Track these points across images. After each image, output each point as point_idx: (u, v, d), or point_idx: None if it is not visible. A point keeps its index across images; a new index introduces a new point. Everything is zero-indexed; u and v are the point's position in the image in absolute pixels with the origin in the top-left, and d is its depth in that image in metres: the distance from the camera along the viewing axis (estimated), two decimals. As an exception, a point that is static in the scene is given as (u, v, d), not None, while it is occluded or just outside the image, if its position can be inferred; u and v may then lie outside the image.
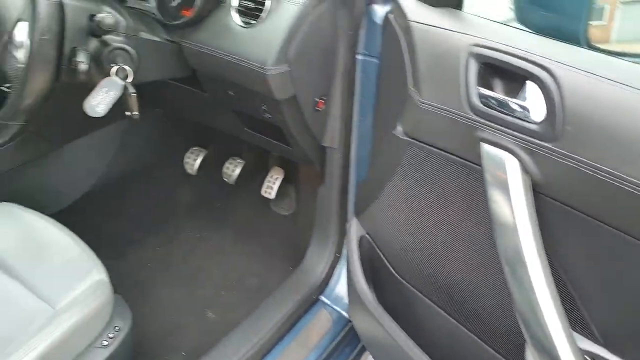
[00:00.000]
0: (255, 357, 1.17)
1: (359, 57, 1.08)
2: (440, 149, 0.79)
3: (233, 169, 1.59)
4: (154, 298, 1.37)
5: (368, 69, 1.09)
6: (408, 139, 0.85)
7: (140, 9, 1.11)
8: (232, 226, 1.60)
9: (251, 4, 1.00)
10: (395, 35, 0.88)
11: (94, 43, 0.93)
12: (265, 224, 1.62)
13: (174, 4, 1.11)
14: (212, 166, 1.64)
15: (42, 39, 0.75)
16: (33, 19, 0.75)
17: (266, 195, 1.54)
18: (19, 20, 0.79)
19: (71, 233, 1.06)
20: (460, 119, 0.73)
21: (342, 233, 1.31)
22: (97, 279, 0.98)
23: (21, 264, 1.00)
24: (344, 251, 1.32)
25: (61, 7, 0.77)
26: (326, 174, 1.24)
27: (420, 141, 0.83)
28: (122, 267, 1.44)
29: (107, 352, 0.96)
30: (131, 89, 0.91)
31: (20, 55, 0.77)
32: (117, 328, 0.99)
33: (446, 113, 0.76)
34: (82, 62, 0.87)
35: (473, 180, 0.74)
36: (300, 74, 1.01)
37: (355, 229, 1.06)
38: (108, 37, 0.94)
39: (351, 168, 1.21)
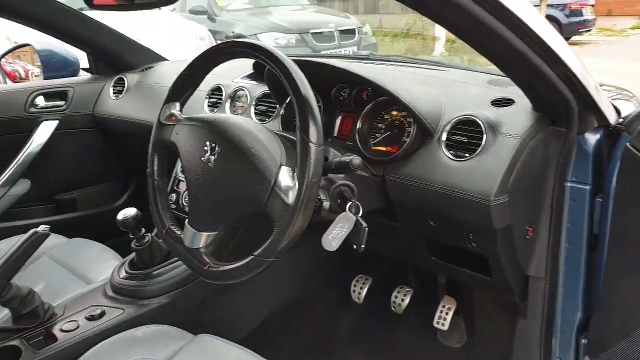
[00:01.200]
0: None
1: (568, 184, 1.07)
2: None
3: (402, 298, 1.55)
4: None
5: (578, 196, 1.07)
6: None
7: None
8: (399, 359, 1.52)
9: (464, 139, 1.05)
10: None
11: (323, 181, 0.99)
12: (434, 357, 1.53)
13: (375, 141, 1.19)
14: (378, 294, 1.61)
15: (311, 182, 0.82)
16: (303, 163, 0.82)
17: (439, 326, 1.47)
18: (280, 165, 0.87)
19: None
20: None
21: (546, 372, 1.19)
22: None
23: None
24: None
25: (323, 154, 0.84)
26: (528, 305, 1.17)
27: None
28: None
29: None
30: (364, 223, 0.94)
31: (289, 198, 0.83)
32: None
33: None
34: (325, 199, 0.92)
35: None
36: (516, 202, 1.01)
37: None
38: (332, 175, 1.01)
39: (558, 299, 1.14)
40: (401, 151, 1.10)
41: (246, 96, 1.48)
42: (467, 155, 1.03)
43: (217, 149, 0.93)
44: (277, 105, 1.36)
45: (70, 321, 1.15)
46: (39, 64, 2.09)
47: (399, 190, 1.13)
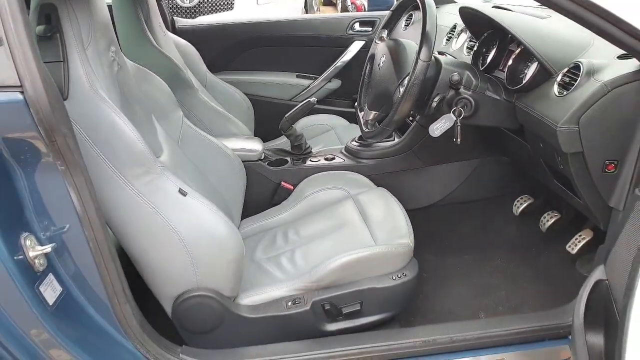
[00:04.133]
0: None
1: None
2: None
3: (548, 220, 1.82)
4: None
5: None
6: None
7: (494, 76, 1.58)
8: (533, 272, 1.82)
9: (567, 79, 1.32)
10: None
11: (451, 92, 1.47)
12: (568, 282, 1.74)
13: (521, 76, 1.53)
14: (533, 213, 1.92)
15: (412, 83, 1.35)
16: (412, 72, 1.35)
17: (569, 249, 1.71)
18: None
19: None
20: None
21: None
22: (407, 242, 1.48)
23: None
24: None
25: (428, 67, 1.34)
26: (607, 234, 1.36)
27: None
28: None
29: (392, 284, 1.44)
30: (459, 123, 1.41)
31: (401, 93, 1.40)
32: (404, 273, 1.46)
33: None
34: (434, 101, 1.42)
35: None
36: (590, 135, 1.24)
37: None
38: (462, 90, 1.47)
39: None
40: (525, 83, 1.43)
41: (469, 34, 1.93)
42: (565, 92, 1.30)
43: (384, 60, 1.53)
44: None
45: (315, 156, 2.00)
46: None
47: (523, 115, 1.47)
